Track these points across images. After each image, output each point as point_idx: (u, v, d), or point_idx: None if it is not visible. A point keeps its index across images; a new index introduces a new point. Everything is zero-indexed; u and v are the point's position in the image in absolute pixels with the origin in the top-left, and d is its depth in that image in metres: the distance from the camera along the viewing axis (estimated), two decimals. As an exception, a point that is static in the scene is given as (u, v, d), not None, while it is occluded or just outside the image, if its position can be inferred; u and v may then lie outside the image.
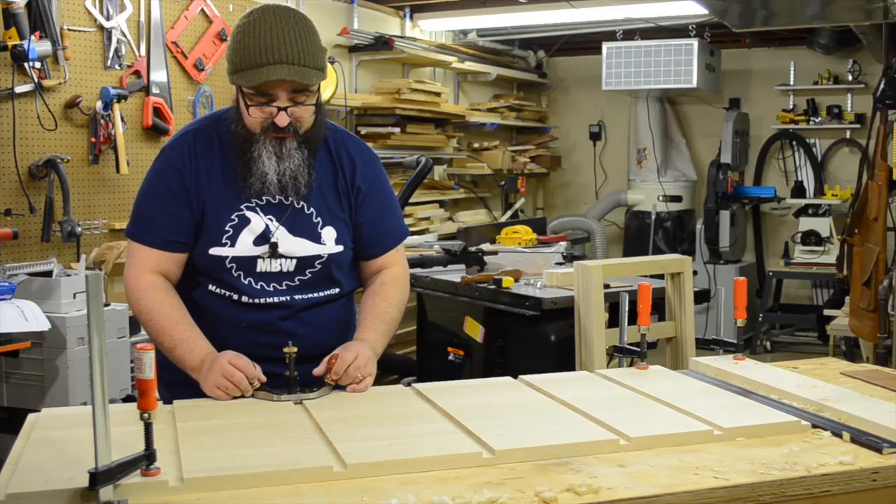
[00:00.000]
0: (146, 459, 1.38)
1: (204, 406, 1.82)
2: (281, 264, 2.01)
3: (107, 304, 3.49)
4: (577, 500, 1.34)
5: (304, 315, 2.05)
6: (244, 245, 1.99)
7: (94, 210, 4.09)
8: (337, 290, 2.10)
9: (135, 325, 3.81)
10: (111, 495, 1.31)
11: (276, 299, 2.02)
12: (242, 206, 2.00)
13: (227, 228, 1.99)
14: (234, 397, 1.86)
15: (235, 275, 2.00)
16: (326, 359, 1.93)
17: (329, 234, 2.05)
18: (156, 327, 1.97)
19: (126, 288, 2.01)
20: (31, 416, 1.75)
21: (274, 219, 2.01)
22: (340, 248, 2.06)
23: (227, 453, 1.50)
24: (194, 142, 2.02)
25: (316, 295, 2.06)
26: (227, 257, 1.99)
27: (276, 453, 1.49)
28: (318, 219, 2.05)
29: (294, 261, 2.02)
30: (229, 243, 1.99)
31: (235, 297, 2.01)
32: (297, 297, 2.03)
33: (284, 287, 2.03)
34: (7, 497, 1.32)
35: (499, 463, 1.49)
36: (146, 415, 1.36)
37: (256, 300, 2.01)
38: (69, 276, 3.46)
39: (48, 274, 3.50)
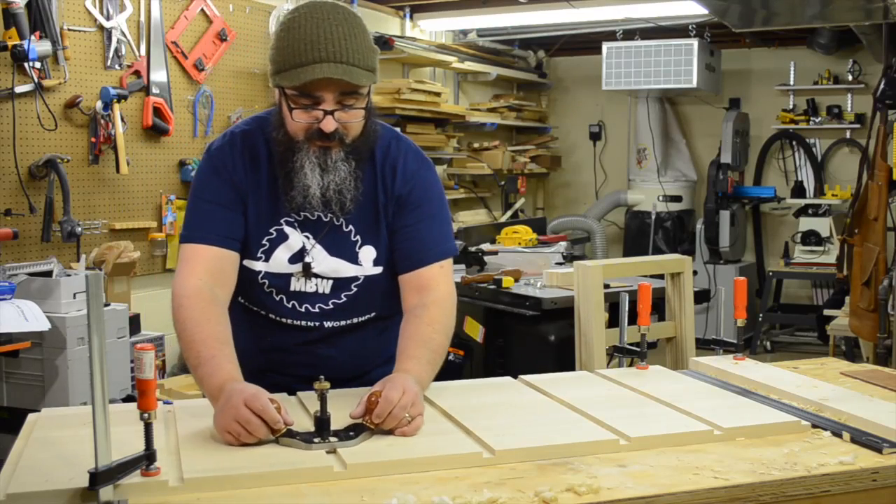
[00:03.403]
0: (146, 459, 1.37)
1: (204, 406, 1.81)
2: (316, 285, 1.89)
3: (107, 304, 3.49)
4: (577, 500, 1.33)
5: (336, 339, 1.92)
6: (278, 262, 1.87)
7: (94, 210, 4.09)
8: (373, 314, 1.95)
9: (135, 324, 3.82)
10: (111, 495, 1.31)
11: (306, 323, 1.90)
12: (282, 221, 1.87)
13: (264, 242, 1.87)
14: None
15: (267, 291, 1.89)
16: (365, 398, 1.61)
17: (367, 254, 1.90)
18: (186, 339, 1.74)
19: (172, 295, 1.80)
20: (31, 416, 1.75)
21: (311, 236, 1.87)
22: (379, 269, 1.91)
23: (227, 453, 1.50)
24: (242, 146, 1.89)
25: (350, 322, 1.92)
26: (260, 272, 1.88)
27: (277, 453, 1.49)
28: (357, 237, 1.90)
29: (330, 282, 1.89)
30: (264, 258, 1.87)
31: (263, 313, 1.91)
32: (328, 324, 1.91)
33: (318, 310, 1.90)
34: (7, 497, 1.32)
35: (499, 463, 1.48)
36: (146, 415, 1.36)
37: (286, 320, 1.90)
38: (69, 276, 3.46)
39: (48, 274, 3.50)
